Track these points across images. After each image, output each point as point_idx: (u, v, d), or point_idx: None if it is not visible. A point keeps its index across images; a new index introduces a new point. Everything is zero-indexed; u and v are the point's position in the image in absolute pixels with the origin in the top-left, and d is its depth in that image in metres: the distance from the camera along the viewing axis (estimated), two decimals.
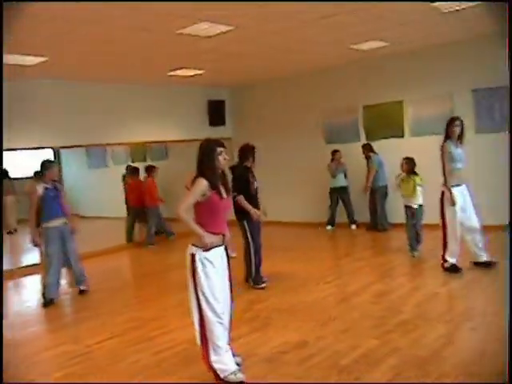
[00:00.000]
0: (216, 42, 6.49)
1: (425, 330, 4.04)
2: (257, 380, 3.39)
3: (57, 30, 5.38)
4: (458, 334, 4.01)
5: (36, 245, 5.81)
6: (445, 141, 5.55)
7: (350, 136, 9.31)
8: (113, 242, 9.38)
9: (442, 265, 5.72)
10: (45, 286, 5.81)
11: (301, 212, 10.08)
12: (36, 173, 7.09)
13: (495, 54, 7.53)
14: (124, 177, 10.52)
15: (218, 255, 3.39)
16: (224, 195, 3.39)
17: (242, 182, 5.64)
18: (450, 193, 5.47)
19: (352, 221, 9.14)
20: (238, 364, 3.47)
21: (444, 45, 7.93)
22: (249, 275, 5.76)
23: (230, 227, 3.59)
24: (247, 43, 6.83)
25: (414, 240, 6.65)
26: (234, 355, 3.47)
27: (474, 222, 5.63)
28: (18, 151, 8.01)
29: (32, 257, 7.96)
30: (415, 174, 6.57)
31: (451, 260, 5.65)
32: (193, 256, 3.31)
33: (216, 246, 3.36)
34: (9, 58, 6.10)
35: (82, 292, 6.10)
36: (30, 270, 7.68)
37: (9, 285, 7.22)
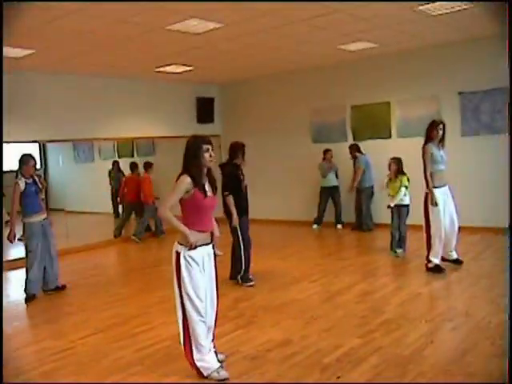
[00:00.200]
0: (205, 38, 6.49)
1: (407, 330, 4.09)
2: (239, 377, 3.40)
3: (44, 22, 5.33)
4: (439, 333, 4.06)
5: (11, 241, 5.71)
6: (426, 143, 5.64)
7: (338, 136, 9.35)
8: (99, 237, 9.33)
9: (426, 265, 5.78)
10: (27, 281, 5.76)
11: (288, 210, 10.10)
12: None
13: (482, 58, 7.64)
14: (110, 172, 10.48)
15: (204, 253, 3.37)
16: (209, 193, 3.36)
17: (233, 180, 5.62)
18: (432, 193, 5.56)
19: (339, 221, 9.19)
20: (221, 361, 3.48)
21: (432, 47, 7.99)
22: (237, 273, 5.76)
23: (220, 225, 3.60)
24: (236, 41, 6.82)
25: (396, 240, 6.73)
26: (216, 354, 3.48)
27: (454, 223, 5.77)
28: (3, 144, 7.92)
29: (17, 251, 7.86)
30: (403, 173, 6.65)
31: (435, 260, 5.72)
32: (178, 254, 3.30)
33: (203, 245, 3.34)
34: None
35: (62, 288, 6.03)
36: (16, 264, 7.58)
37: None
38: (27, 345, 4.41)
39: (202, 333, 3.35)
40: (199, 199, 3.29)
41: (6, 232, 5.70)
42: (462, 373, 3.27)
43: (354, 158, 8.69)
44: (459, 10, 5.89)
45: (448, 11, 5.91)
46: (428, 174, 5.60)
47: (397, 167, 6.66)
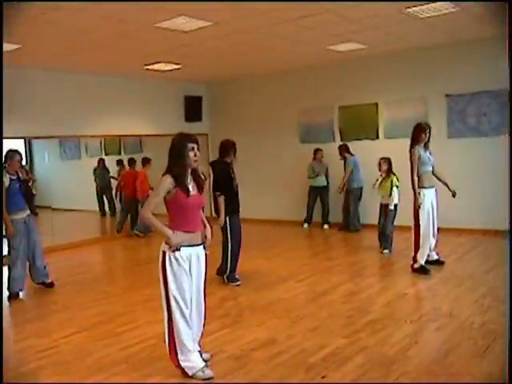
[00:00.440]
0: (194, 37, 6.46)
1: (392, 330, 4.11)
2: (224, 377, 3.40)
3: (31, 17, 5.26)
4: (424, 334, 4.10)
5: (13, 235, 5.63)
6: (413, 146, 5.72)
7: (325, 136, 9.38)
8: (85, 235, 9.27)
9: (412, 266, 5.83)
10: (10, 279, 5.69)
11: (277, 210, 10.11)
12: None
13: (469, 61, 7.72)
14: (95, 170, 10.45)
15: (193, 254, 3.31)
16: (192, 192, 3.28)
17: (226, 179, 5.58)
18: (418, 193, 5.64)
19: (325, 221, 9.22)
20: (206, 360, 3.47)
21: (420, 49, 8.05)
22: (224, 271, 5.75)
23: (211, 223, 3.58)
24: (225, 39, 6.81)
25: (385, 239, 6.79)
26: (201, 353, 3.47)
27: (436, 225, 5.91)
28: None
29: None
30: (393, 173, 6.71)
31: (421, 261, 5.77)
32: (164, 254, 3.27)
33: (190, 245, 3.29)
34: None
35: (48, 285, 5.99)
36: None
37: None
38: (10, 343, 4.36)
39: (187, 334, 3.32)
40: (181, 198, 3.23)
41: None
42: (444, 373, 3.30)
43: (344, 158, 8.71)
44: (446, 14, 5.94)
45: (436, 14, 5.95)
46: (415, 175, 5.67)
47: (387, 166, 6.72)
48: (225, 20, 5.84)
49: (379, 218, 6.88)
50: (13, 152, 5.69)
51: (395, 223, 6.85)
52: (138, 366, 3.65)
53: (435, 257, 6.05)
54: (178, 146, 3.27)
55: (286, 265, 6.60)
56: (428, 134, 5.72)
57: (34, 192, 9.57)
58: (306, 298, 5.17)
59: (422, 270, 5.72)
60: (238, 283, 5.69)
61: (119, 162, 10.90)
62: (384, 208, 6.78)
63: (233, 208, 5.63)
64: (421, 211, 5.68)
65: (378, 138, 8.77)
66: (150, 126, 9.83)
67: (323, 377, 3.32)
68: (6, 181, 5.57)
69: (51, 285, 6.01)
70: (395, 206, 6.67)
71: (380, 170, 6.80)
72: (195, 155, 3.27)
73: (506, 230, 7.26)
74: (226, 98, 10.77)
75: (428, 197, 5.72)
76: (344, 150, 8.71)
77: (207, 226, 3.54)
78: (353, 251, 7.38)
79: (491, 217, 7.61)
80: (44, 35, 6.09)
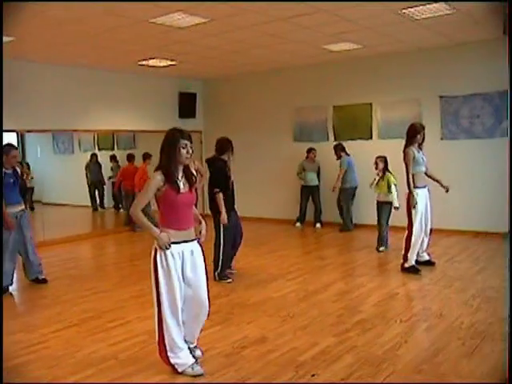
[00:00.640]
0: (189, 33, 6.45)
1: (382, 329, 4.13)
2: (214, 374, 3.39)
3: (24, 9, 5.21)
4: (413, 333, 4.11)
5: (13, 228, 5.58)
6: (408, 146, 5.74)
7: (319, 136, 9.39)
8: (77, 230, 9.23)
9: (402, 265, 5.86)
10: None
11: (270, 208, 10.11)
12: None
13: (463, 63, 7.75)
14: (87, 165, 10.41)
15: (185, 249, 3.28)
16: (182, 189, 3.25)
17: (223, 177, 5.58)
18: (413, 195, 5.65)
19: (317, 220, 9.23)
20: (197, 358, 3.47)
21: (414, 50, 8.07)
22: (215, 269, 5.74)
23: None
24: (221, 37, 6.79)
25: (381, 237, 6.86)
26: (191, 350, 3.47)
27: (429, 225, 5.91)
28: None
29: None
30: (389, 172, 6.75)
31: (412, 260, 5.80)
32: (155, 251, 3.26)
33: (183, 242, 3.26)
34: None
35: (41, 281, 5.95)
36: None
37: None
38: None
39: (176, 331, 3.31)
40: (171, 195, 3.19)
41: None
42: (433, 372, 3.32)
43: (339, 158, 8.71)
44: (442, 16, 5.96)
45: (431, 15, 5.97)
46: (410, 176, 5.69)
47: (384, 165, 6.76)
48: (221, 17, 5.82)
49: (378, 217, 6.93)
50: (8, 146, 5.68)
51: (390, 223, 6.90)
52: (127, 361, 3.64)
53: (426, 257, 6.09)
54: (171, 141, 3.23)
55: (277, 263, 6.60)
56: (423, 135, 5.76)
57: (27, 186, 9.51)
58: (297, 296, 5.17)
59: (413, 270, 5.76)
60: (229, 280, 5.68)
61: (113, 158, 10.86)
62: (380, 206, 6.83)
63: (229, 206, 5.63)
64: (413, 210, 5.71)
65: (371, 138, 8.79)
66: (144, 121, 9.80)
67: (313, 375, 3.33)
68: None
69: (44, 281, 5.97)
70: (389, 203, 6.71)
71: (376, 169, 6.83)
72: (187, 152, 3.23)
73: (496, 231, 7.33)
74: (220, 95, 10.74)
75: (422, 196, 5.75)
76: (340, 150, 8.71)
77: (202, 221, 3.51)
78: (345, 250, 7.39)
79: (483, 219, 7.66)
80: (38, 28, 6.05)
